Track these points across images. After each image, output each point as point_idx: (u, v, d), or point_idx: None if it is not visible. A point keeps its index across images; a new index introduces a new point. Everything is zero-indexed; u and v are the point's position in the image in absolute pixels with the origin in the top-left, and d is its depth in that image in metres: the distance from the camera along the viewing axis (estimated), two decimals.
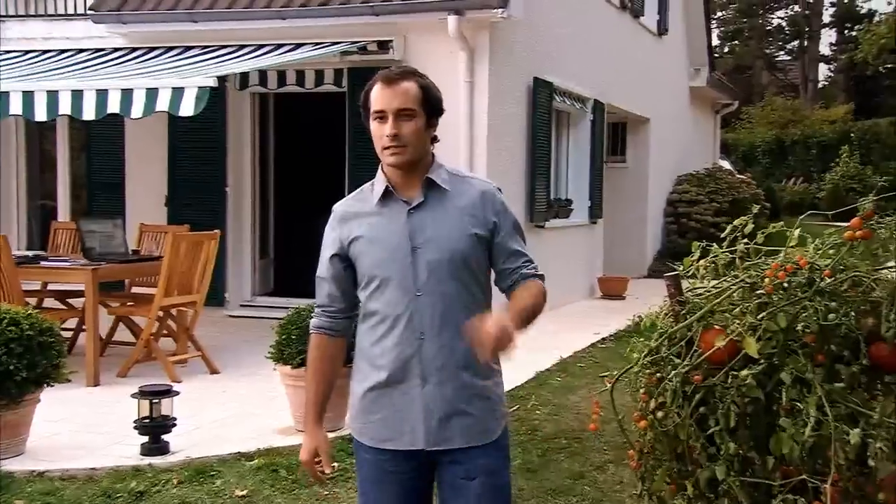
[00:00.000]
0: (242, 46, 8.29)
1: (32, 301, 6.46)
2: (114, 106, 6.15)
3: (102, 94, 6.17)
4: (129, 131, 8.97)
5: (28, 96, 6.28)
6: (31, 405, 4.29)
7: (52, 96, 6.26)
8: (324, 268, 2.33)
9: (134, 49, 8.61)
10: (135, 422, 4.36)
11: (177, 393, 4.44)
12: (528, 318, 2.12)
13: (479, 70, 7.98)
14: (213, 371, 6.23)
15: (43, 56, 8.71)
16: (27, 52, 8.89)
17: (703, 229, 13.66)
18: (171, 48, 8.49)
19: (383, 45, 8.03)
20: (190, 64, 7.50)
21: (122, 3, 8.60)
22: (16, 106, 6.28)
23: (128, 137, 9.01)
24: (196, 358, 6.28)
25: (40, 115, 6.27)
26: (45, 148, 9.94)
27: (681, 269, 2.13)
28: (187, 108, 6.06)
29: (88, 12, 8.65)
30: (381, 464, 2.22)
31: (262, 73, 8.64)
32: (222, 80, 7.86)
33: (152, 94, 6.09)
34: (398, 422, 2.19)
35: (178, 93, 6.01)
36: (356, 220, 2.28)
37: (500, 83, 8.25)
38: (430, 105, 2.22)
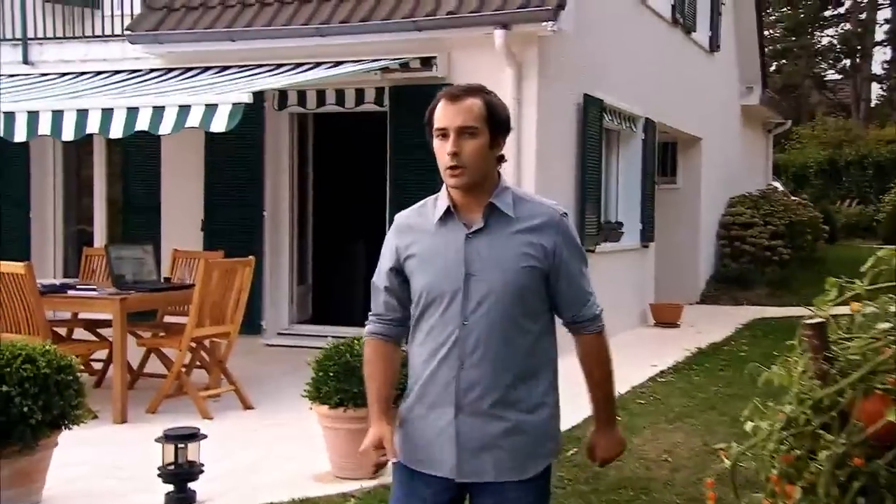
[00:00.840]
0: (281, 65, 8.01)
1: (62, 331, 6.18)
2: (143, 123, 5.87)
3: (133, 112, 5.90)
4: (165, 154, 8.72)
5: (57, 115, 6.03)
6: (46, 450, 3.94)
7: (82, 115, 5.99)
8: (381, 277, 2.28)
9: (171, 70, 8.38)
10: (158, 469, 3.99)
11: (204, 436, 4.06)
12: (609, 408, 2.21)
13: (527, 87, 7.58)
14: (247, 406, 5.86)
15: (79, 77, 8.52)
16: (63, 74, 8.71)
17: (758, 253, 13.07)
18: (208, 68, 8.23)
19: (426, 62, 7.68)
20: (225, 82, 7.21)
21: (159, 24, 8.37)
22: (44, 125, 6.03)
23: (164, 160, 8.75)
24: (230, 391, 5.92)
25: (67, 134, 6.01)
26: (82, 172, 9.74)
27: (815, 310, 1.67)
28: (219, 124, 5.75)
29: (125, 33, 8.44)
30: (413, 485, 2.18)
31: (301, 93, 8.34)
32: (259, 98, 7.58)
33: (184, 110, 5.79)
34: (431, 447, 2.15)
35: (210, 109, 5.71)
36: (413, 234, 2.23)
37: (548, 100, 7.84)
38: (496, 122, 2.14)
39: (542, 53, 7.65)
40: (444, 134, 2.13)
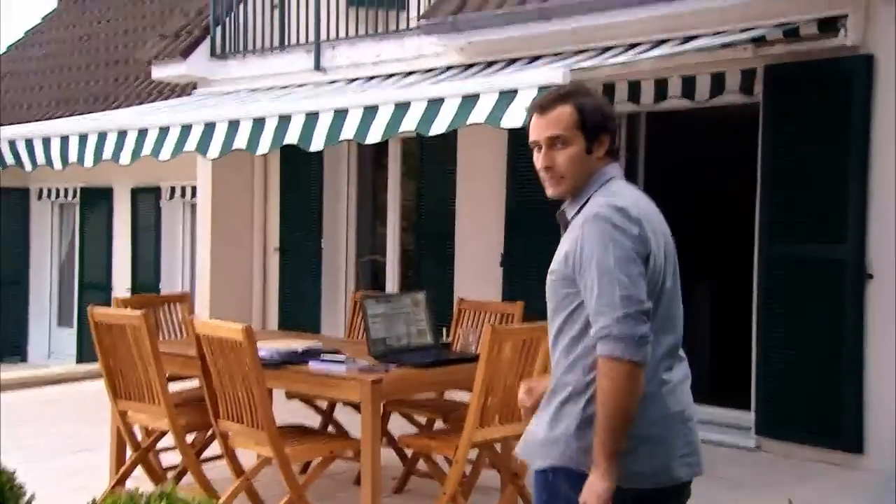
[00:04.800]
0: (608, 48, 5.96)
1: (309, 416, 4.63)
2: (410, 122, 4.12)
3: (401, 109, 4.17)
4: (462, 163, 7.09)
5: (310, 119, 4.49)
6: None
7: (339, 117, 4.40)
8: None
9: (471, 65, 6.69)
10: None
11: None
12: (598, 446, 2.02)
13: None
14: None
15: (368, 81, 7.16)
16: (354, 79, 7.41)
17: None
18: (514, 60, 6.43)
19: (828, 25, 5.17)
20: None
21: (458, 7, 6.73)
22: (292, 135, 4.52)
23: (460, 173, 7.12)
24: None
25: (317, 143, 4.43)
26: (376, 197, 8.46)
27: None
28: (514, 119, 3.84)
29: (420, 22, 6.92)
30: None
31: (633, 85, 6.22)
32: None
33: (468, 102, 3.94)
34: None
35: (505, 98, 3.80)
36: None
37: None
38: (590, 126, 2.14)
39: None
40: (538, 146, 2.17)
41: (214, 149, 5.05)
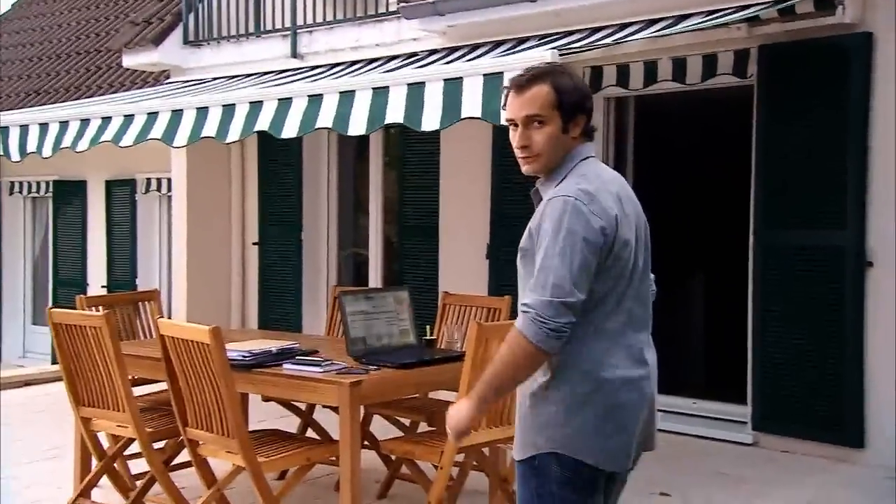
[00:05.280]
0: (596, 30, 5.72)
1: (286, 419, 4.39)
2: (395, 113, 3.86)
3: (380, 95, 3.91)
4: (446, 152, 6.85)
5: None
6: None
7: (313, 104, 4.13)
8: None
9: (455, 49, 6.43)
10: None
11: None
12: (479, 385, 2.15)
13: None
14: None
15: (348, 67, 6.89)
16: (333, 65, 7.14)
17: None
18: (500, 43, 6.18)
19: (825, 2, 4.95)
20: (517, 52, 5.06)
21: None
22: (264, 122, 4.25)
23: (444, 163, 6.89)
24: None
25: (289, 130, 4.17)
26: (358, 188, 8.20)
27: None
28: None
29: (400, 5, 6.65)
30: None
31: (622, 68, 5.99)
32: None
33: (453, 88, 3.68)
34: None
35: (492, 83, 3.54)
36: None
37: None
38: (567, 106, 2.15)
39: None
40: (514, 124, 2.18)
41: (181, 137, 4.78)
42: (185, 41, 7.89)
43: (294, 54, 7.46)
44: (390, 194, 7.68)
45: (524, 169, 2.22)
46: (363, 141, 7.81)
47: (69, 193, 10.18)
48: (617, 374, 2.14)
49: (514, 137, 2.19)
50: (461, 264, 6.75)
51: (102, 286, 9.80)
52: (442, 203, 6.95)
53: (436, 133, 6.74)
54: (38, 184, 10.60)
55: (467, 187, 6.77)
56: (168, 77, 8.18)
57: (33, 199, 10.95)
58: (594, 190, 2.11)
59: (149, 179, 9.54)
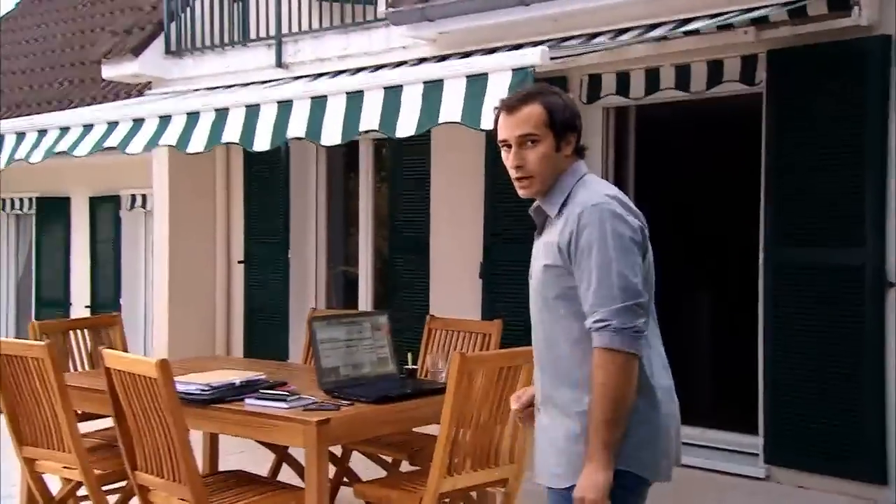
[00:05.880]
0: (594, 35, 5.38)
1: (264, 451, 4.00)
2: (370, 119, 3.50)
3: (355, 100, 3.55)
4: (437, 166, 6.51)
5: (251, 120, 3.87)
6: None
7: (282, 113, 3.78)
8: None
9: (445, 57, 6.09)
10: None
11: None
12: (593, 439, 2.00)
13: None
14: None
15: (335, 76, 6.55)
16: (319, 75, 6.81)
17: None
18: (492, 50, 5.83)
19: (839, 2, 4.59)
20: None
21: None
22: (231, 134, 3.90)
23: (435, 177, 6.54)
24: None
25: (261, 143, 3.82)
26: (349, 200, 7.86)
27: None
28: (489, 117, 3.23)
29: (388, 11, 6.32)
30: None
31: (622, 76, 5.65)
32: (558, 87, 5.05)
33: (433, 92, 3.33)
34: None
35: (476, 86, 3.19)
36: None
37: None
38: (559, 124, 2.15)
39: None
40: (507, 145, 2.19)
41: (138, 144, 4.45)
42: (167, 51, 7.57)
43: (279, 64, 7.13)
44: (381, 210, 7.34)
45: (521, 193, 2.22)
46: (353, 153, 7.49)
47: (53, 210, 9.86)
48: (662, 383, 2.12)
49: (508, 158, 2.19)
50: (453, 283, 6.39)
51: (86, 306, 9.47)
52: (433, 218, 6.60)
53: (426, 144, 6.45)
54: (22, 200, 10.29)
55: (460, 201, 6.42)
56: (150, 89, 7.86)
57: (17, 216, 10.62)
58: (619, 196, 2.13)
59: (133, 196, 9.22)
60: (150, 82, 7.83)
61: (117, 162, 8.32)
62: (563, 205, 2.14)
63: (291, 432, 3.13)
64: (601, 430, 1.99)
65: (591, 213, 2.05)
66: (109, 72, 7.66)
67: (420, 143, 6.41)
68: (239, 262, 7.89)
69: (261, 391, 3.39)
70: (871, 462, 4.65)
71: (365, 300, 7.41)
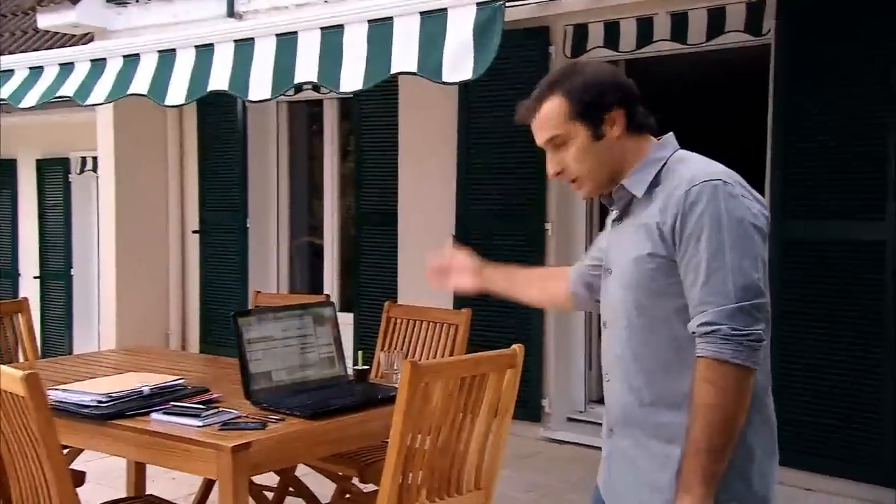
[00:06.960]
0: None
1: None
2: (307, 71, 2.88)
3: (287, 43, 2.92)
4: (404, 126, 5.88)
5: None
6: None
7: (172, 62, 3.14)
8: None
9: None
10: None
11: None
12: (690, 465, 1.65)
13: None
14: None
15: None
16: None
17: None
18: None
19: None
20: None
21: None
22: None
23: (402, 138, 5.92)
24: None
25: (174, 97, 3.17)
26: (313, 164, 7.22)
27: None
28: (459, 67, 2.62)
29: None
30: None
31: (611, 27, 5.03)
32: (539, 40, 4.41)
33: (381, 34, 2.69)
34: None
35: (434, 23, 2.56)
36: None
37: None
38: (584, 110, 1.80)
39: None
40: (545, 149, 1.89)
41: (32, 97, 3.81)
42: None
43: (231, 13, 6.44)
44: (348, 174, 6.71)
45: (581, 196, 1.93)
46: (317, 111, 6.84)
47: None
48: (768, 389, 1.82)
49: (548, 166, 1.91)
50: (423, 258, 5.78)
51: (35, 276, 8.84)
52: (401, 184, 5.98)
53: (393, 101, 5.83)
54: None
55: (430, 166, 5.80)
56: (91, 41, 7.14)
57: None
58: (734, 174, 1.73)
59: (84, 158, 8.54)
60: (90, 33, 7.11)
61: (67, 121, 7.65)
62: (653, 184, 1.77)
63: (201, 458, 2.52)
64: (704, 459, 1.66)
65: (702, 191, 1.67)
66: (45, 21, 6.94)
67: (386, 99, 5.81)
68: (194, 231, 7.26)
69: (172, 403, 2.79)
70: (887, 463, 4.14)
71: (331, 274, 6.82)
